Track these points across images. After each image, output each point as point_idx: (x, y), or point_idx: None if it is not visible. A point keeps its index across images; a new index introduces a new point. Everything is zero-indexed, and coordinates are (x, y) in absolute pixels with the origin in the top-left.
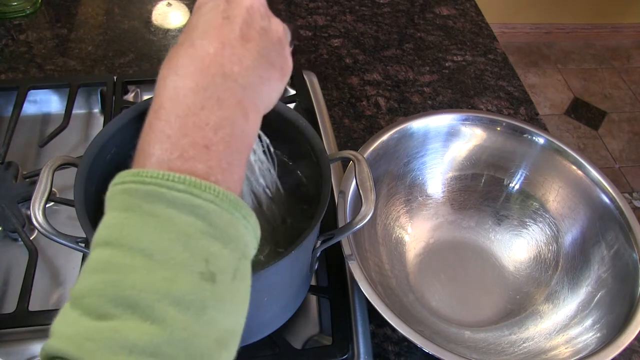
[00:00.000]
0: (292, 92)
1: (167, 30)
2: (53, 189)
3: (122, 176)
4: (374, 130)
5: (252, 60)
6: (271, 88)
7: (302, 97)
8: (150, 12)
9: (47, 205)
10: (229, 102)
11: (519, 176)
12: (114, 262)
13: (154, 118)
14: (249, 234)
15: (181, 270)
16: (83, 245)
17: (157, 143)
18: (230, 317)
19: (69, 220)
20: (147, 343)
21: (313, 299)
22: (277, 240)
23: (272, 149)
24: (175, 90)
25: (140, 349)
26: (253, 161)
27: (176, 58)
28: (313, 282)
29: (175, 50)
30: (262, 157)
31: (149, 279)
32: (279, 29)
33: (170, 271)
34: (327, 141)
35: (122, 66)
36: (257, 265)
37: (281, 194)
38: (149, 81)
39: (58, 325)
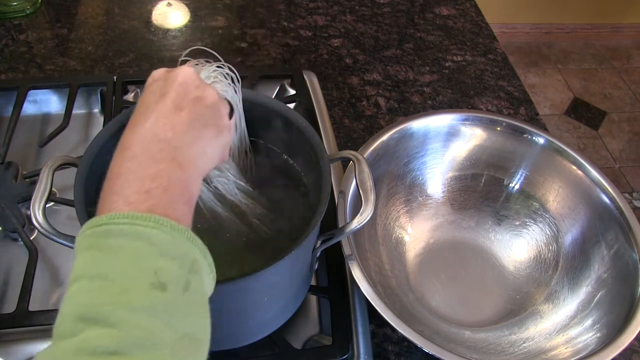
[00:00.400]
0: (292, 92)
1: (167, 30)
2: (53, 189)
3: (83, 228)
4: (374, 130)
5: (184, 124)
6: (208, 143)
7: (302, 97)
8: (150, 12)
9: (47, 205)
10: (162, 159)
11: (519, 176)
12: (79, 290)
13: (107, 180)
14: (195, 252)
15: (133, 283)
16: None
17: (109, 196)
18: (187, 324)
19: (69, 220)
20: (107, 344)
21: (313, 299)
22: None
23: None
24: (122, 159)
25: (102, 349)
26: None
27: (126, 138)
28: (313, 282)
29: (127, 130)
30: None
31: (106, 294)
32: (212, 95)
33: (123, 285)
34: (327, 141)
35: (122, 66)
36: (257, 267)
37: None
38: None
39: (39, 354)
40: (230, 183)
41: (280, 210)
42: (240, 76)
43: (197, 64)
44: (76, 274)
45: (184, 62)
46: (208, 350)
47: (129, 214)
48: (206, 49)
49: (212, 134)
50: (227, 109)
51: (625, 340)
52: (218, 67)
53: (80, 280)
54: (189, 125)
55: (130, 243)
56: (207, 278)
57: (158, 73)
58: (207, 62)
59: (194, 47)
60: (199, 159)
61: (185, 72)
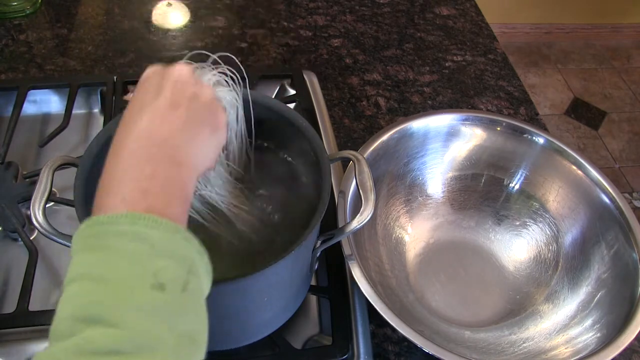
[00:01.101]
0: (292, 92)
1: (167, 30)
2: (53, 189)
3: (79, 228)
4: (374, 130)
5: (181, 122)
6: (204, 141)
7: (302, 97)
8: (150, 12)
9: (47, 205)
10: (159, 158)
11: (519, 176)
12: (78, 291)
13: (102, 180)
14: (193, 253)
15: (134, 284)
16: None
17: (105, 196)
18: (186, 324)
19: (69, 220)
20: (109, 344)
21: (313, 299)
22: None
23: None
24: (117, 159)
25: (103, 349)
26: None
27: (120, 137)
28: (313, 282)
29: (121, 129)
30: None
31: (107, 295)
32: (209, 93)
33: (125, 286)
34: (327, 141)
35: (122, 66)
36: (257, 266)
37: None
38: None
39: (38, 354)
40: (214, 192)
41: (280, 210)
42: (240, 76)
43: (202, 67)
44: (73, 274)
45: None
46: (206, 349)
47: (127, 214)
48: (206, 52)
49: (209, 132)
50: (223, 107)
51: (625, 340)
52: (220, 72)
53: (79, 282)
54: (186, 123)
55: (129, 244)
56: (204, 279)
57: (153, 69)
58: (209, 65)
59: (195, 52)
60: (195, 157)
61: (182, 69)
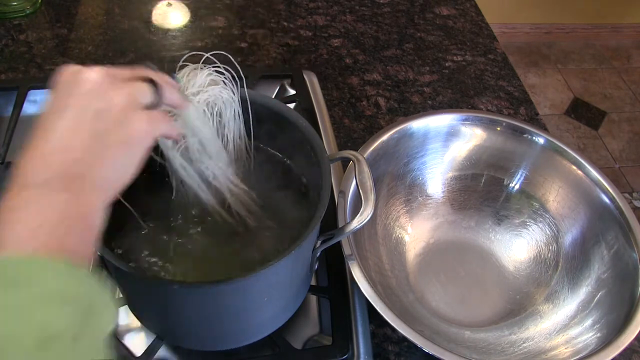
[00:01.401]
0: (292, 92)
1: (167, 30)
2: None
3: None
4: (374, 130)
5: (82, 149)
6: (115, 157)
7: (302, 97)
8: (150, 12)
9: None
10: (58, 188)
11: (519, 176)
12: None
13: (2, 206)
14: (92, 290)
15: (15, 347)
16: None
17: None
18: None
19: None
20: None
21: (313, 299)
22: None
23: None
24: (17, 187)
25: None
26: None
27: (23, 159)
28: (313, 282)
29: (24, 152)
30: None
31: None
32: (119, 102)
33: (3, 351)
34: (327, 141)
35: (122, 66)
36: (257, 266)
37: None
38: None
39: None
40: (218, 169)
41: (280, 210)
42: (237, 75)
43: (197, 67)
44: None
45: (182, 67)
46: None
47: (15, 258)
48: (203, 53)
49: (120, 146)
50: (141, 115)
51: (625, 340)
52: (217, 71)
53: None
54: (90, 147)
55: (15, 291)
56: (106, 314)
57: (67, 72)
58: (203, 65)
59: (192, 53)
60: (103, 180)
61: (93, 77)
